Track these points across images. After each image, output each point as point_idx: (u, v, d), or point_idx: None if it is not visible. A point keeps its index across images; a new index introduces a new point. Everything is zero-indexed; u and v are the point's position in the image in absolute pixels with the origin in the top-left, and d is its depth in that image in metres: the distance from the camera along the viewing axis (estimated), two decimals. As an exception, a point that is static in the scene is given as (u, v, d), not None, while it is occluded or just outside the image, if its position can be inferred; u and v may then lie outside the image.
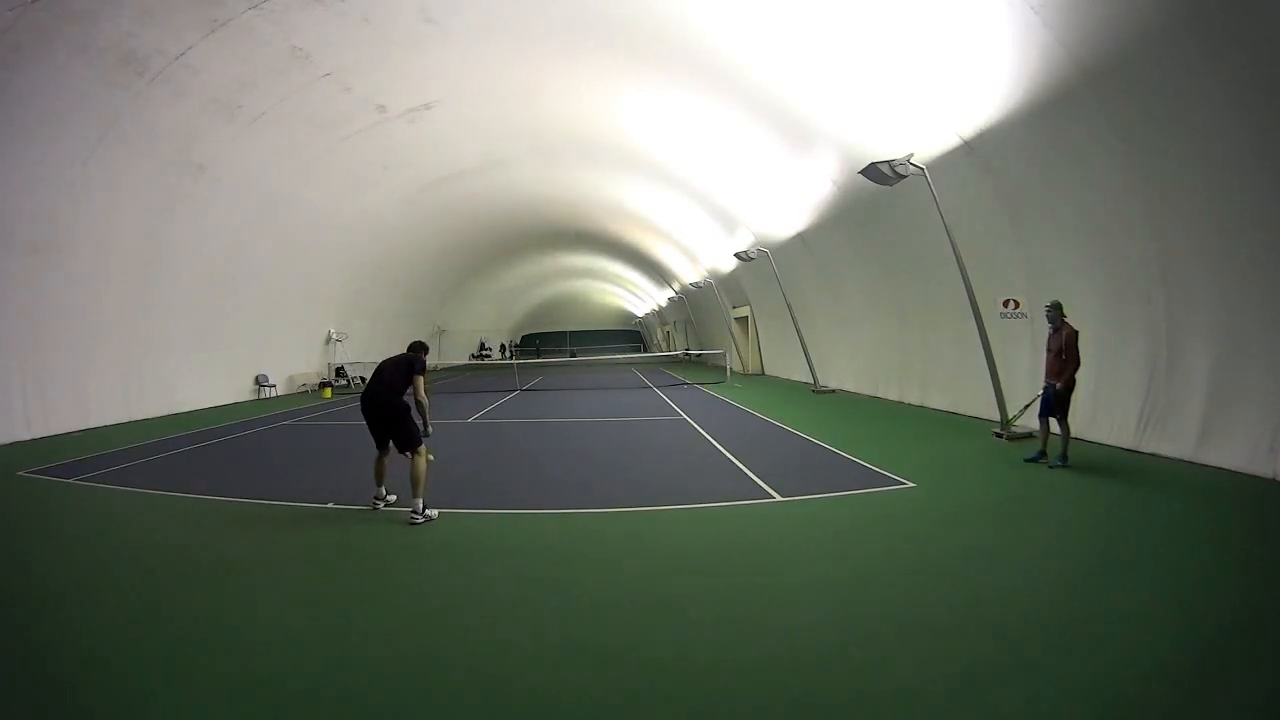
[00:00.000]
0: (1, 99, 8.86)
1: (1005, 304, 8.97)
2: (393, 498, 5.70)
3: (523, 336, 51.25)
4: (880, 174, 8.47)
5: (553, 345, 50.34)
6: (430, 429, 5.63)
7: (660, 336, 45.17)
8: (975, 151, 8.59)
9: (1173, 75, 5.84)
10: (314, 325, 21.04)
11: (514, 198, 22.42)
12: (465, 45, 11.36)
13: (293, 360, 19.83)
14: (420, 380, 5.61)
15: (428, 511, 5.29)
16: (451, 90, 13.31)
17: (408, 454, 5.43)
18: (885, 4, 8.04)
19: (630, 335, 52.46)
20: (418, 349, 5.91)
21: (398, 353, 5.86)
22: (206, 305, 15.10)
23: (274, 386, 18.43)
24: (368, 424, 5.61)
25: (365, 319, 23.24)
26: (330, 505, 5.79)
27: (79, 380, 11.74)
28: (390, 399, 5.51)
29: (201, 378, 15.35)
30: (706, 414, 12.01)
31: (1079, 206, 7.58)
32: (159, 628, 3.39)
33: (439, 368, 30.55)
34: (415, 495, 5.29)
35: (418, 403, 5.53)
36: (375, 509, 5.57)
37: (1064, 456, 6.61)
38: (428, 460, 5.45)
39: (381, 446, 5.64)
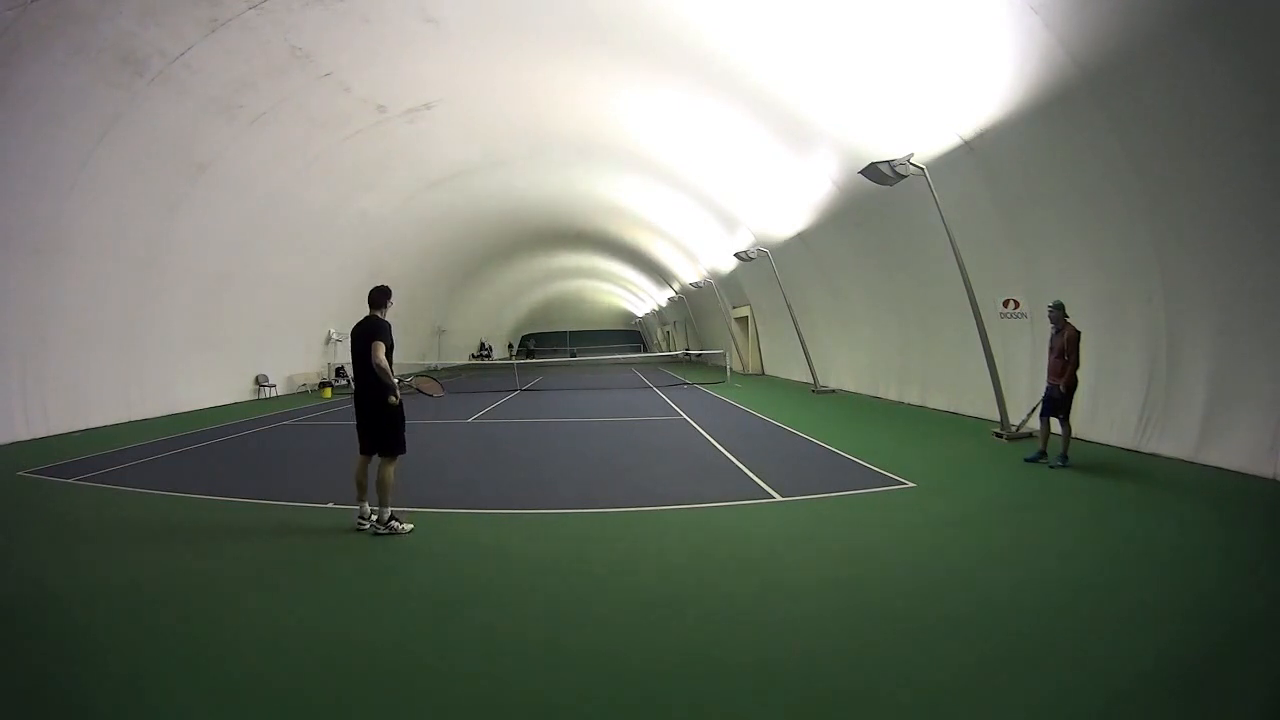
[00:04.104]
0: (1, 99, 8.85)
1: (1005, 304, 8.98)
2: (407, 527, 5.02)
3: (522, 336, 51.40)
4: (880, 174, 8.47)
5: (552, 345, 50.49)
6: (398, 395, 4.96)
7: (660, 336, 45.19)
8: (975, 151, 8.59)
9: (1173, 76, 5.84)
10: (314, 325, 21.03)
11: (514, 197, 22.42)
12: (465, 45, 11.36)
13: (293, 360, 19.82)
14: (379, 347, 4.82)
15: (392, 523, 4.86)
16: (451, 90, 13.31)
17: (377, 456, 4.95)
18: (885, 4, 8.03)
19: (630, 335, 52.52)
20: (377, 302, 5.08)
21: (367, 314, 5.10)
22: (206, 305, 15.10)
23: (274, 386, 18.43)
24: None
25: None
26: (330, 505, 5.79)
27: (79, 380, 11.74)
28: (368, 387, 4.92)
29: (201, 378, 15.35)
30: (707, 414, 12.01)
31: (1079, 206, 7.58)
32: (158, 628, 3.38)
33: (438, 368, 30.54)
34: (382, 504, 4.87)
35: (377, 366, 4.80)
36: (359, 529, 5.00)
37: (1064, 456, 6.61)
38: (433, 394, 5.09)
39: (364, 447, 5.09)
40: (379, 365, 4.83)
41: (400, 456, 5.06)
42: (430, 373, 29.21)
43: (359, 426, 5.11)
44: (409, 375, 5.28)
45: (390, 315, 5.21)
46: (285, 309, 18.66)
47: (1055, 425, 6.77)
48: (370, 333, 4.94)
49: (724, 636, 3.18)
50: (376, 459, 5.05)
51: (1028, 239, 8.60)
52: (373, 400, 4.98)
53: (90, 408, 11.90)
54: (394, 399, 4.95)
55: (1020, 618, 3.27)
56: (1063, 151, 7.43)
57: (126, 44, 9.17)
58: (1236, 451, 6.04)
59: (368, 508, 5.05)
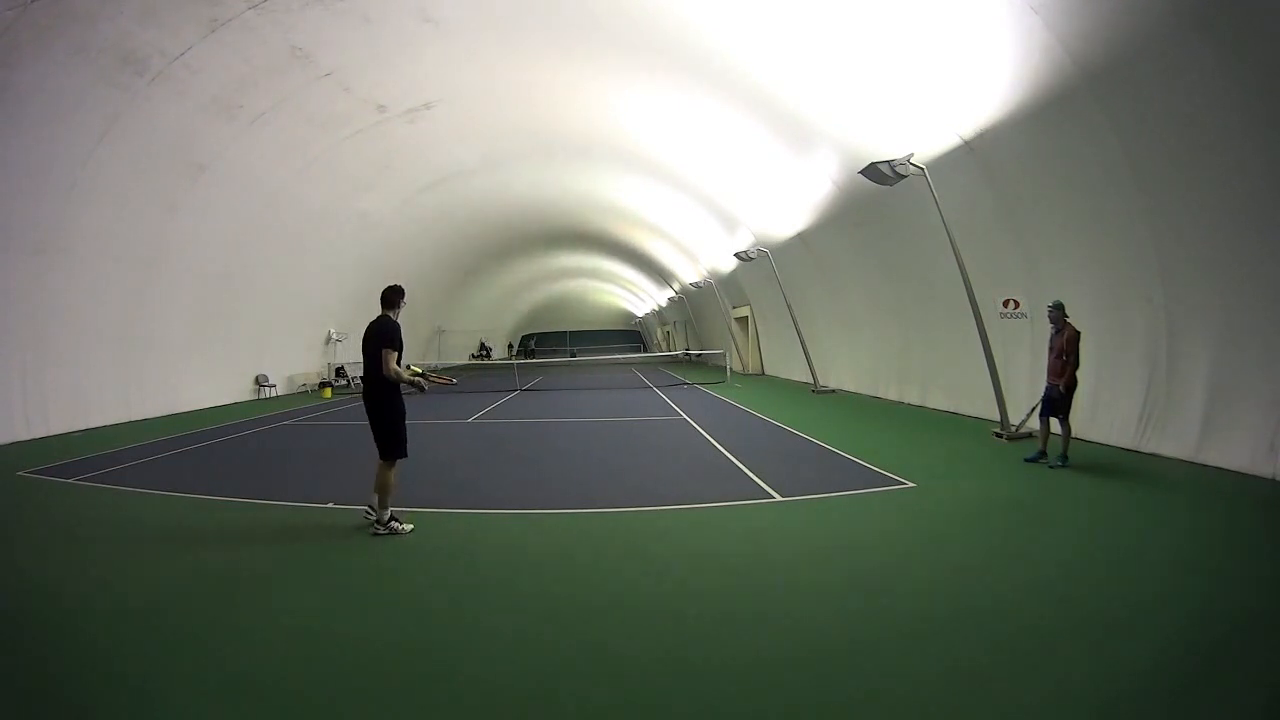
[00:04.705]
0: (1, 99, 8.86)
1: (1005, 304, 8.97)
2: (406, 528, 5.06)
3: (522, 336, 51.44)
4: (880, 174, 8.47)
5: (552, 345, 50.54)
6: (425, 383, 5.09)
7: (660, 336, 45.19)
8: (975, 151, 8.59)
9: (1173, 76, 5.83)
10: (314, 325, 21.03)
11: (514, 197, 22.42)
12: (465, 45, 11.36)
13: (293, 360, 19.82)
14: (389, 355, 4.81)
15: (392, 524, 4.87)
16: (451, 90, 13.31)
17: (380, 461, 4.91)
18: (885, 4, 8.03)
19: (630, 335, 52.52)
20: (390, 302, 5.06)
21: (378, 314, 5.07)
22: (206, 305, 15.10)
23: (274, 386, 18.43)
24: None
25: (365, 319, 23.15)
26: (330, 505, 5.79)
27: (79, 380, 11.74)
28: (369, 388, 4.93)
29: (201, 378, 15.36)
30: (707, 414, 12.01)
31: (1079, 206, 7.58)
32: (158, 628, 3.39)
33: (438, 368, 30.52)
34: (381, 506, 4.89)
35: (389, 374, 4.79)
36: (366, 517, 5.05)
37: (1064, 456, 6.61)
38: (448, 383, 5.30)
39: None
40: (390, 374, 4.86)
41: (400, 461, 5.05)
42: (433, 372, 29.18)
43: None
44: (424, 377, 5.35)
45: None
46: (285, 309, 18.65)
47: (1055, 425, 6.77)
48: (380, 336, 4.93)
49: (724, 635, 3.18)
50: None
51: (1028, 239, 8.60)
52: (375, 402, 5.01)
53: (90, 408, 11.90)
54: (422, 387, 5.12)
55: (1019, 617, 3.27)
56: (1063, 152, 7.42)
57: (126, 44, 9.17)
58: (1236, 452, 6.04)
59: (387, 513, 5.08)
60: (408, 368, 5.16)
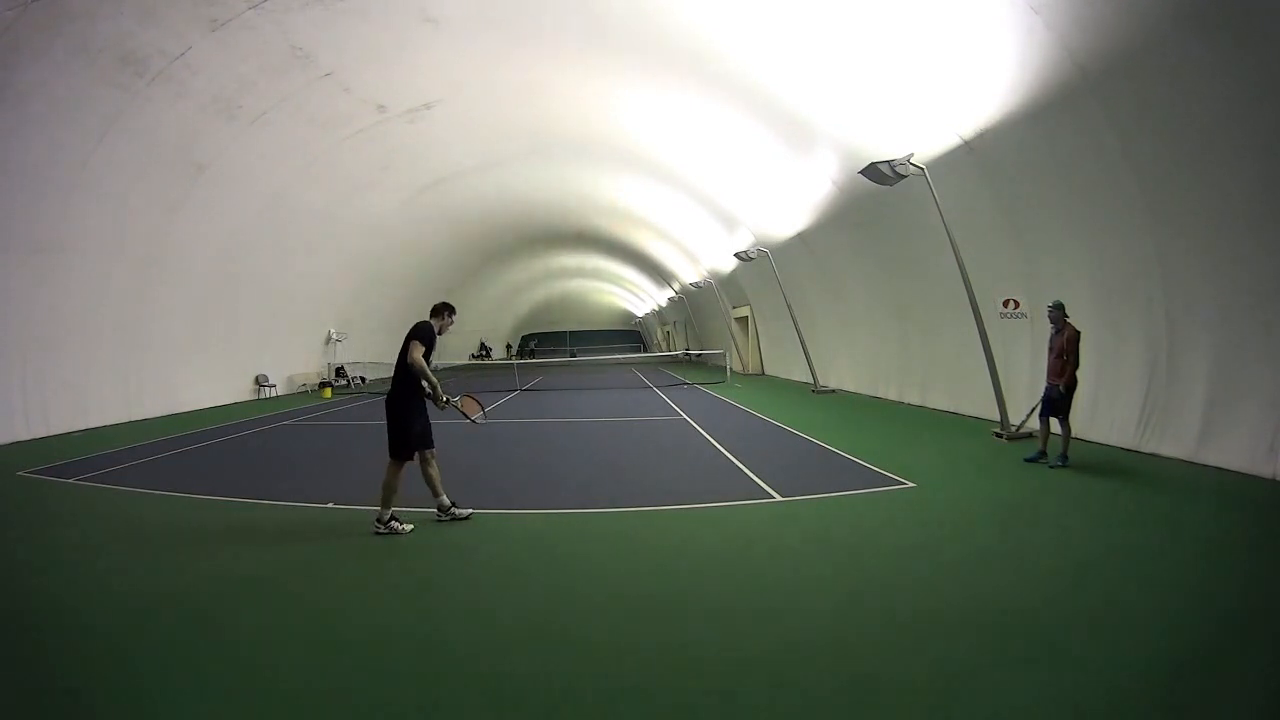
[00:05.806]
0: (1, 99, 8.86)
1: (1005, 304, 8.97)
2: (465, 512, 5.29)
3: (523, 337, 51.48)
4: (880, 174, 8.47)
5: (552, 345, 50.58)
6: (444, 400, 5.11)
7: (660, 336, 45.20)
8: (975, 151, 8.59)
9: (1174, 77, 5.84)
10: (314, 325, 21.04)
11: (514, 197, 22.42)
12: (465, 44, 11.36)
13: (293, 360, 19.84)
14: (415, 345, 4.89)
15: (392, 523, 4.93)
16: (451, 90, 13.31)
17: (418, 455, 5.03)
18: (885, 4, 8.04)
19: (630, 335, 52.54)
20: (435, 312, 5.25)
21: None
22: (206, 305, 15.11)
23: (274, 386, 18.44)
24: None
25: (365, 319, 23.28)
26: (330, 505, 5.79)
27: (79, 380, 11.76)
28: (391, 385, 5.08)
29: (201, 378, 15.37)
30: (707, 414, 12.01)
31: (1079, 206, 7.58)
32: (159, 628, 3.39)
33: (439, 368, 30.55)
34: (383, 505, 4.94)
35: (411, 363, 4.87)
36: (439, 520, 5.18)
37: (1064, 456, 6.61)
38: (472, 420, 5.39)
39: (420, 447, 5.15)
40: (412, 362, 4.93)
41: (407, 463, 5.07)
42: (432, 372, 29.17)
43: None
44: (456, 397, 5.44)
45: (392, 314, 5.26)
46: (285, 309, 18.67)
47: (1055, 425, 6.77)
48: (411, 333, 5.04)
49: (723, 634, 3.18)
50: (419, 457, 5.09)
51: (1028, 239, 8.60)
52: (390, 399, 5.07)
53: (90, 408, 11.91)
54: (440, 404, 5.13)
55: (1018, 617, 3.27)
56: (1063, 152, 7.42)
57: (126, 44, 9.17)
58: (1236, 452, 6.04)
59: (445, 500, 5.21)
60: (447, 400, 5.25)
